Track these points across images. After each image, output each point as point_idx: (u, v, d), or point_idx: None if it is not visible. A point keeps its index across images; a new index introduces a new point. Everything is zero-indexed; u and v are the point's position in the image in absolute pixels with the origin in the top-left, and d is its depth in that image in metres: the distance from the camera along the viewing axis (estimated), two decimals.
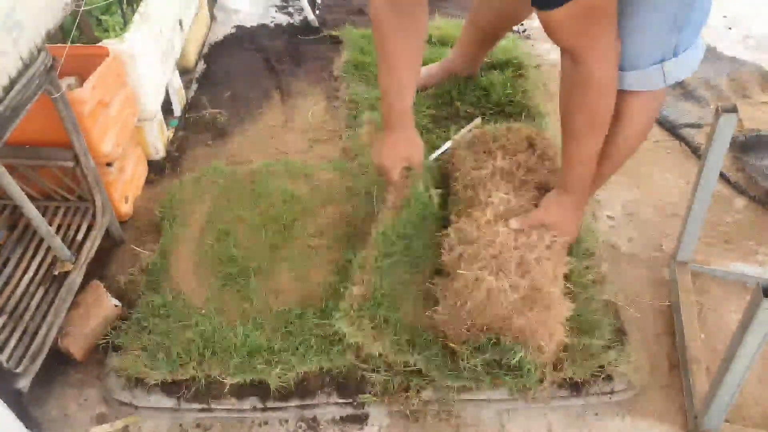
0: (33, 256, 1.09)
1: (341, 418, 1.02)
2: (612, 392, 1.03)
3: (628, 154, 1.10)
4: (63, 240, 1.10)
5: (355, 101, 1.61)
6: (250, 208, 1.30)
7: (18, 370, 0.93)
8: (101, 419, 1.02)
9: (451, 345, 0.96)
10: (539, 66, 1.80)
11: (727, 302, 1.20)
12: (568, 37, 0.86)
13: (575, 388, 1.02)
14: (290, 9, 2.10)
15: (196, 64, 1.80)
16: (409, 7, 1.01)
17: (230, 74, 1.78)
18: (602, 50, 0.87)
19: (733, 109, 1.00)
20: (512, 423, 1.02)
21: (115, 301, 1.11)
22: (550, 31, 0.87)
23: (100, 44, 1.21)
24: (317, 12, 2.04)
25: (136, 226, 1.32)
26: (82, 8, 1.08)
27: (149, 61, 1.34)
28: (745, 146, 1.52)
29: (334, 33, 1.91)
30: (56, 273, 1.07)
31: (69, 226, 1.17)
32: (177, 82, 1.57)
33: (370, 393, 1.00)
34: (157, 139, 1.44)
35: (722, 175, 1.46)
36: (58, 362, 1.06)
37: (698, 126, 1.61)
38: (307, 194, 1.34)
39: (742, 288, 1.23)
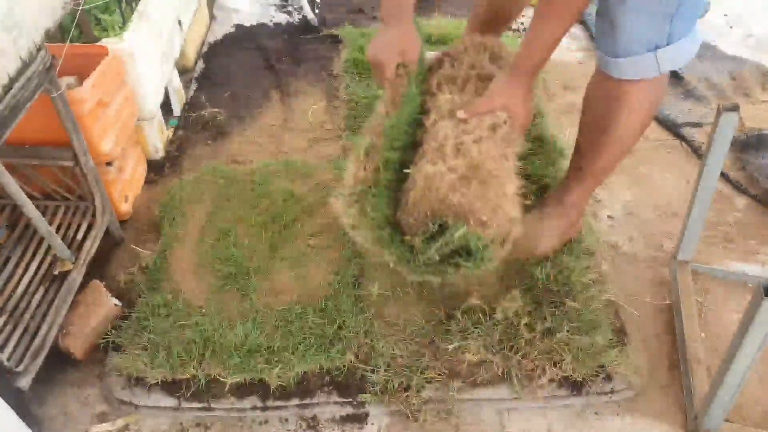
0: (33, 256, 1.09)
1: (341, 417, 1.02)
2: (612, 392, 1.03)
3: (628, 147, 1.10)
4: (63, 239, 1.10)
5: (355, 101, 1.61)
6: (249, 207, 1.30)
7: (19, 369, 0.93)
8: (102, 418, 1.03)
9: (407, 239, 0.95)
10: None
11: (727, 302, 1.20)
12: None
13: (575, 387, 1.03)
14: (290, 8, 2.10)
15: (196, 63, 1.80)
16: None
17: (230, 74, 1.78)
18: None
19: (734, 108, 0.99)
20: (512, 422, 1.02)
21: (115, 301, 1.11)
22: None
23: (99, 43, 1.21)
24: (317, 11, 2.04)
25: (136, 226, 1.32)
26: (81, 7, 1.08)
27: (148, 61, 1.34)
28: (746, 145, 1.52)
29: (333, 32, 1.91)
30: (56, 272, 1.07)
31: (69, 225, 1.17)
32: (176, 81, 1.57)
33: (370, 392, 1.00)
34: (157, 138, 1.44)
35: (723, 175, 1.46)
36: (58, 361, 1.07)
37: (699, 125, 1.61)
38: (307, 194, 1.34)
39: (742, 288, 1.23)
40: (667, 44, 0.90)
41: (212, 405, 1.00)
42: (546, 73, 1.73)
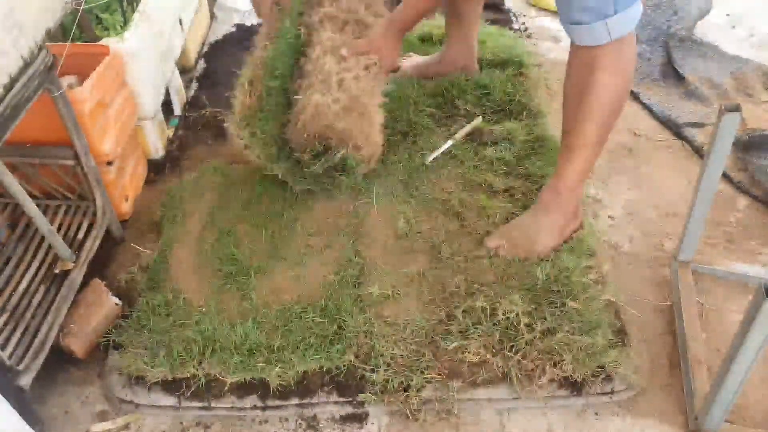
0: (34, 255, 1.09)
1: (341, 416, 1.02)
2: (612, 392, 1.03)
3: (608, 115, 1.11)
4: (64, 239, 1.10)
5: None
6: (250, 207, 1.30)
7: (20, 368, 0.93)
8: (102, 417, 1.03)
9: (297, 155, 1.19)
10: (540, 65, 1.79)
11: (728, 302, 1.20)
12: None
13: (575, 387, 1.02)
14: None
15: (197, 63, 1.80)
16: None
17: (230, 73, 1.77)
18: None
19: (736, 109, 0.99)
20: (512, 422, 1.02)
21: (116, 300, 1.11)
22: None
23: (100, 43, 1.21)
24: None
25: (137, 225, 1.32)
26: (83, 7, 1.08)
27: (149, 60, 1.34)
28: (748, 145, 1.52)
29: None
30: (57, 271, 1.07)
31: (70, 224, 1.17)
32: (177, 81, 1.57)
33: (369, 392, 1.00)
34: (157, 138, 1.44)
35: (725, 175, 1.45)
36: (59, 360, 1.07)
37: (701, 125, 1.61)
38: (308, 193, 1.34)
39: (743, 288, 1.23)
40: (615, 13, 1.01)
41: (212, 404, 1.00)
42: (547, 72, 1.73)
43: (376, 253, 1.21)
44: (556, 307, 1.10)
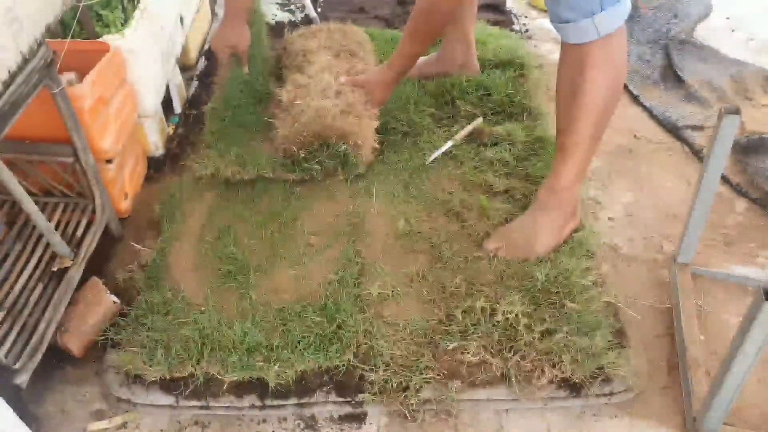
0: (32, 252, 1.09)
1: (339, 416, 1.02)
2: (611, 394, 1.03)
3: (600, 112, 1.11)
4: (62, 236, 1.10)
5: None
6: (249, 205, 1.30)
7: (16, 366, 0.92)
8: (99, 416, 1.02)
9: (290, 150, 1.32)
10: (541, 66, 1.79)
11: (727, 305, 1.20)
12: None
13: (574, 389, 1.02)
14: (292, 7, 2.10)
15: (197, 61, 1.80)
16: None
17: None
18: None
19: (736, 111, 0.99)
20: (511, 423, 1.02)
21: (114, 298, 1.11)
22: None
23: (100, 40, 1.21)
24: (319, 9, 2.04)
25: (136, 223, 1.32)
26: (83, 3, 1.08)
27: (150, 58, 1.34)
28: (747, 148, 1.52)
29: None
30: (55, 269, 1.07)
31: (68, 222, 1.16)
32: (178, 78, 1.57)
33: (368, 392, 1.00)
34: (157, 136, 1.43)
35: (724, 177, 1.46)
36: (56, 358, 1.06)
37: (700, 128, 1.61)
38: (308, 191, 1.34)
39: (742, 291, 1.23)
40: (602, 9, 1.02)
41: (210, 403, 1.00)
42: (548, 73, 1.73)
43: (376, 252, 1.21)
44: (555, 308, 1.10)
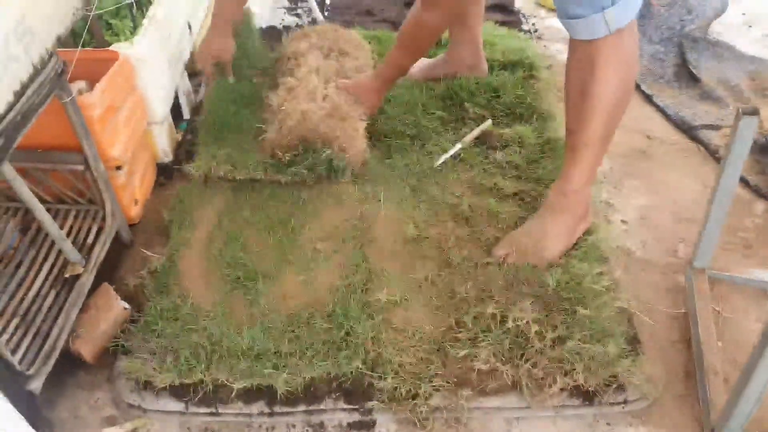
0: (45, 259, 1.10)
1: (348, 424, 1.01)
2: (625, 402, 1.01)
3: (611, 112, 1.08)
4: (74, 243, 1.11)
5: None
6: (257, 211, 1.30)
7: (30, 372, 0.94)
8: (111, 421, 1.03)
9: (277, 154, 1.33)
10: (551, 66, 1.77)
11: (746, 310, 1.17)
12: None
13: (587, 397, 1.00)
14: (299, 10, 2.10)
15: None
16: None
17: None
18: None
19: (754, 112, 0.97)
20: (522, 431, 1.01)
21: (125, 304, 1.11)
22: None
23: (110, 48, 1.22)
24: (326, 13, 2.04)
25: (146, 229, 1.33)
26: (93, 13, 1.09)
27: (159, 65, 1.35)
28: (765, 148, 1.48)
29: None
30: (67, 276, 1.08)
31: (80, 229, 1.18)
32: (186, 85, 1.58)
33: (377, 399, 0.99)
34: (166, 142, 1.45)
35: (742, 178, 1.42)
36: (69, 364, 1.07)
37: (716, 127, 1.57)
38: (315, 196, 1.34)
39: (762, 295, 1.20)
40: (612, 4, 0.98)
41: (219, 410, 1.00)
42: (558, 74, 1.71)
43: (384, 258, 1.20)
44: (567, 315, 1.08)
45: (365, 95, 1.40)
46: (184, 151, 1.50)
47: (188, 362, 1.01)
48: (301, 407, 1.00)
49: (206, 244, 1.24)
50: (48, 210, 0.99)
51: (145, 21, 1.30)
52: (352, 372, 1.01)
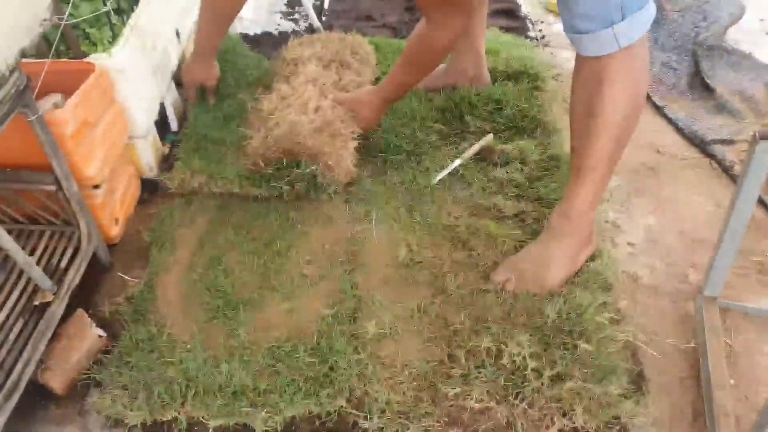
0: (15, 284, 1.04)
1: None
2: None
3: (619, 133, 1.02)
4: (46, 267, 1.05)
5: None
6: (242, 232, 1.24)
7: None
8: None
9: (259, 164, 1.27)
10: (558, 76, 1.69)
11: (760, 344, 1.09)
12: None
13: None
14: (296, 16, 2.03)
15: None
16: None
17: None
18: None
19: None
20: None
21: (100, 332, 1.06)
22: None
23: (86, 60, 1.15)
24: (323, 19, 1.96)
25: (126, 249, 1.27)
26: (64, 22, 1.02)
27: (141, 76, 1.28)
28: None
29: None
30: (36, 303, 1.02)
31: (54, 251, 1.12)
32: (173, 95, 1.51)
33: None
34: (151, 156, 1.38)
35: (758, 199, 1.33)
36: (40, 395, 1.02)
37: (731, 142, 1.49)
38: (305, 216, 1.27)
39: None
40: (622, 18, 0.92)
41: None
42: (565, 84, 1.63)
43: (374, 284, 1.14)
44: (566, 350, 1.02)
45: (363, 112, 1.33)
46: (170, 164, 1.44)
47: (162, 399, 0.95)
48: None
49: (187, 267, 1.18)
50: (20, 231, 0.94)
51: (125, 30, 1.23)
52: (335, 411, 0.95)
